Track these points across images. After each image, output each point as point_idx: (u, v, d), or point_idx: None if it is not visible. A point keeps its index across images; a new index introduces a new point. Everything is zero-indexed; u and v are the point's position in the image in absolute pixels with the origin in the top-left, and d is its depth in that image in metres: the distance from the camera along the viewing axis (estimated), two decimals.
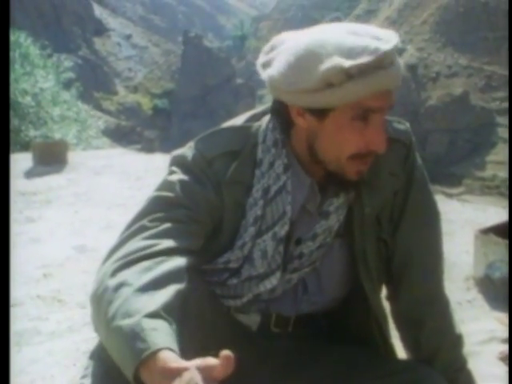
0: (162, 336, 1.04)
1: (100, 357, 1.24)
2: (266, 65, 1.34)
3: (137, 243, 1.24)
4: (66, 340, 2.76)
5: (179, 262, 1.22)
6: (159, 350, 1.01)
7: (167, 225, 1.28)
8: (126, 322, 1.06)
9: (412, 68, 47.73)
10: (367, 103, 1.26)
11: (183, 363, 0.98)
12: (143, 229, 1.28)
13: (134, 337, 1.04)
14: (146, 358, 1.01)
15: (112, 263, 1.20)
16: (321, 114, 1.29)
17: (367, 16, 54.15)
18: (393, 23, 52.00)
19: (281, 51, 1.31)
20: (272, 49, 1.35)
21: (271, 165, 1.38)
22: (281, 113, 1.36)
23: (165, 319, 1.08)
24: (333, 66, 1.22)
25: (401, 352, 1.61)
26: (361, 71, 1.22)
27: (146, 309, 1.08)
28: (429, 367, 1.46)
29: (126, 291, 1.12)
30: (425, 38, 50.31)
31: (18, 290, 3.36)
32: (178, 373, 0.97)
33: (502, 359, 2.42)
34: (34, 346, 2.69)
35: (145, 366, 1.01)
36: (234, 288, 1.43)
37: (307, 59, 1.26)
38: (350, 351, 1.53)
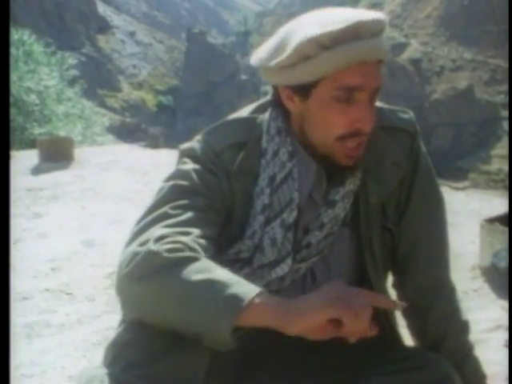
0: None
1: (123, 345, 1.22)
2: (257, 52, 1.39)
3: (162, 229, 1.24)
4: (76, 332, 2.78)
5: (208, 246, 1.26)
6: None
7: (189, 213, 1.29)
8: (213, 275, 1.11)
9: (416, 62, 47.57)
10: (346, 80, 1.27)
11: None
12: (166, 216, 1.28)
13: (233, 282, 1.10)
14: (256, 296, 1.09)
15: (142, 245, 1.20)
16: (304, 92, 1.32)
17: (371, 10, 53.74)
18: (397, 17, 51.78)
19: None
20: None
21: (276, 153, 1.39)
22: (278, 102, 1.40)
23: None
24: (305, 37, 1.25)
25: (408, 341, 1.62)
26: (335, 41, 1.24)
27: (222, 268, 1.15)
28: (436, 353, 1.46)
29: (186, 254, 1.17)
30: (429, 32, 50.10)
31: (26, 284, 3.39)
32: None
33: (508, 347, 2.44)
34: (44, 338, 2.71)
35: (252, 305, 1.08)
36: (247, 277, 1.43)
37: (285, 36, 1.31)
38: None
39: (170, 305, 1.16)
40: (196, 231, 1.26)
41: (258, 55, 1.37)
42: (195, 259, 1.16)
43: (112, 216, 5.06)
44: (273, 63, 1.31)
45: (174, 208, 1.29)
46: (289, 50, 1.28)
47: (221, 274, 1.13)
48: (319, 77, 1.28)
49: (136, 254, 1.19)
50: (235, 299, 1.08)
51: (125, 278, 1.20)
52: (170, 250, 1.17)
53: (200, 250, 1.21)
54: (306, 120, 1.35)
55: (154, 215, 1.29)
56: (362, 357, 1.47)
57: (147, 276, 1.17)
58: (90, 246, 4.19)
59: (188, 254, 1.17)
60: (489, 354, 2.13)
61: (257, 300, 1.09)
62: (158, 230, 1.24)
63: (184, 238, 1.21)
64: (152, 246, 1.18)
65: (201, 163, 1.38)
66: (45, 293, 3.29)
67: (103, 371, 1.20)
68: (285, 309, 1.12)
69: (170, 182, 1.36)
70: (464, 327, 1.56)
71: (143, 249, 1.19)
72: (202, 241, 1.25)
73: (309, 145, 1.38)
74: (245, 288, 1.10)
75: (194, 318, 1.13)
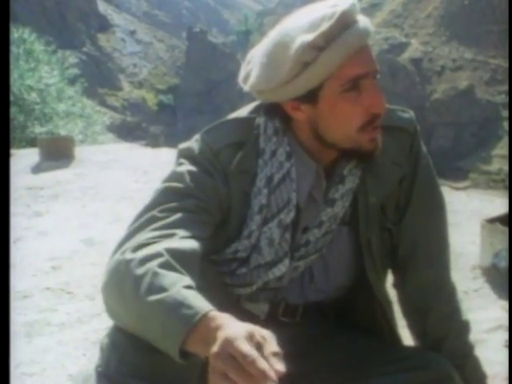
0: (205, 301, 1.05)
1: (114, 344, 1.24)
2: (246, 78, 1.38)
3: (147, 234, 1.23)
4: (76, 331, 2.78)
5: (193, 246, 1.23)
6: (209, 311, 1.02)
7: (178, 215, 1.28)
8: (165, 295, 1.06)
9: (417, 62, 47.53)
10: (350, 73, 1.28)
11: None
12: (153, 219, 1.27)
13: (178, 305, 1.04)
14: (196, 322, 1.01)
15: (122, 253, 1.20)
16: (312, 98, 1.31)
17: (372, 9, 53.86)
18: (397, 17, 51.74)
19: (254, 60, 1.36)
20: (248, 63, 1.40)
21: (273, 153, 1.39)
22: (276, 113, 1.39)
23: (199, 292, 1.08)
24: (300, 45, 1.25)
25: (408, 341, 1.62)
26: (327, 39, 1.25)
27: (181, 282, 1.08)
28: (436, 353, 1.47)
29: (152, 265, 1.12)
30: (429, 31, 50.05)
31: (27, 283, 3.39)
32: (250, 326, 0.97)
33: (508, 347, 2.44)
34: (44, 337, 2.71)
35: (194, 332, 1.01)
36: (244, 277, 1.43)
37: (277, 52, 1.30)
38: (357, 339, 1.54)
39: (132, 323, 1.15)
40: (182, 232, 1.24)
41: (251, 81, 1.35)
42: (157, 274, 1.11)
43: (112, 215, 5.06)
44: (275, 82, 1.30)
45: (162, 211, 1.29)
46: (289, 64, 1.27)
47: (172, 294, 1.06)
48: (323, 78, 1.28)
49: (115, 264, 1.19)
50: (181, 323, 1.03)
51: (103, 287, 1.21)
52: (141, 261, 1.14)
53: (175, 255, 1.16)
54: (321, 122, 1.34)
55: (142, 219, 1.28)
56: (362, 357, 1.47)
57: (116, 290, 1.17)
58: (90, 245, 4.19)
59: (155, 266, 1.12)
60: (489, 354, 2.14)
61: (202, 322, 1.02)
62: (142, 236, 1.23)
63: (162, 245, 1.18)
64: (128, 257, 1.17)
65: (198, 164, 1.38)
66: (45, 291, 3.28)
67: (98, 370, 1.21)
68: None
69: (164, 185, 1.36)
70: (464, 327, 1.57)
71: (121, 259, 1.18)
72: (188, 241, 1.23)
73: (327, 145, 1.37)
74: (192, 311, 1.03)
75: (151, 339, 1.11)
